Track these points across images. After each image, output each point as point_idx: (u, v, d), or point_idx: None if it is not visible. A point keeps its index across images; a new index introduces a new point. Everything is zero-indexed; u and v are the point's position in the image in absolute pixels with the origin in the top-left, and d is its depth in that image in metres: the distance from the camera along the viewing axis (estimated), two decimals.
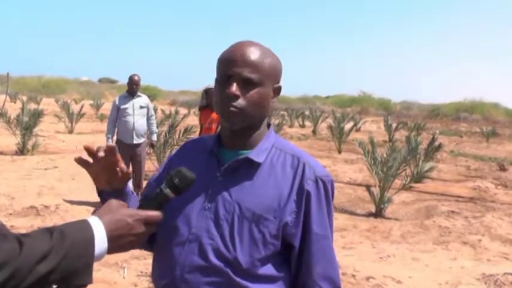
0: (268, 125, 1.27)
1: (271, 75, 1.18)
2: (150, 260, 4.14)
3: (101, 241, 0.92)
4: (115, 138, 6.16)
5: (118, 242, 0.96)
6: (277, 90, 1.22)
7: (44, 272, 0.84)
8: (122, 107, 6.03)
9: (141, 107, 6.10)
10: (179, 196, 1.08)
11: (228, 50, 1.19)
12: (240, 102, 1.15)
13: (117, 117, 6.06)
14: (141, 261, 4.22)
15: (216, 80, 1.20)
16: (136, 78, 6.05)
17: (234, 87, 1.14)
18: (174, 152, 1.39)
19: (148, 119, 6.29)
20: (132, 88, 6.03)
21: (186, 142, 1.39)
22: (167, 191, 1.06)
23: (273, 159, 1.20)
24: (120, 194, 1.23)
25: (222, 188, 1.17)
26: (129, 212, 0.99)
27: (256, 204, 1.14)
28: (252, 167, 1.18)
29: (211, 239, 1.14)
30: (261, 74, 1.16)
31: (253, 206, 1.14)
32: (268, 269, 1.15)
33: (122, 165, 1.18)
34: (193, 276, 1.13)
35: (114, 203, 1.01)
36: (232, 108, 1.15)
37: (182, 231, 1.17)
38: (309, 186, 1.15)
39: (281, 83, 1.24)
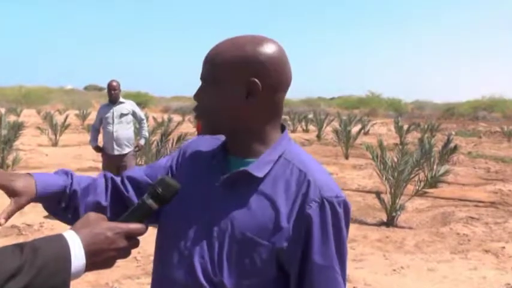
0: (283, 129, 1.20)
1: (233, 69, 1.09)
2: (143, 280, 4.18)
3: (78, 257, 0.91)
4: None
5: (97, 258, 0.96)
6: (251, 87, 1.09)
7: None
8: (104, 116, 6.15)
9: (123, 115, 6.14)
10: (163, 207, 1.07)
11: None
12: (200, 106, 1.15)
13: (101, 126, 6.22)
14: (133, 280, 4.22)
15: None
16: (114, 83, 6.10)
17: (196, 91, 1.15)
18: (189, 141, 1.36)
19: (139, 124, 6.42)
20: (111, 94, 6.10)
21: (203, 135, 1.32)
22: (150, 201, 1.04)
23: (278, 172, 1.11)
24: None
25: (220, 200, 1.13)
26: (108, 225, 0.98)
27: (249, 224, 1.08)
28: (252, 180, 1.10)
29: (201, 258, 1.11)
30: (217, 71, 1.10)
31: (245, 226, 1.08)
32: None
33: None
34: None
35: (92, 215, 1.00)
36: (195, 113, 1.16)
37: (178, 245, 1.16)
38: (311, 209, 1.06)
39: (257, 79, 1.09)
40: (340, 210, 1.08)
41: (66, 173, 1.24)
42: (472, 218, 6.81)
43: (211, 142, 1.26)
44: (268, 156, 1.12)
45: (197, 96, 1.15)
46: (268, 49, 1.11)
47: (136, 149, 6.35)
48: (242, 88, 1.10)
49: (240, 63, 1.09)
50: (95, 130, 6.31)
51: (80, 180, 1.23)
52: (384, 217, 6.71)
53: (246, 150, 1.15)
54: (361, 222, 6.66)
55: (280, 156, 1.13)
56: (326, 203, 1.07)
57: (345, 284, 1.11)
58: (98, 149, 6.28)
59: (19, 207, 1.13)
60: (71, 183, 1.21)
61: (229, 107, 1.11)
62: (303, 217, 1.06)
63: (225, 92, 1.10)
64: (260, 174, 1.10)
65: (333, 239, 1.07)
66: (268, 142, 1.15)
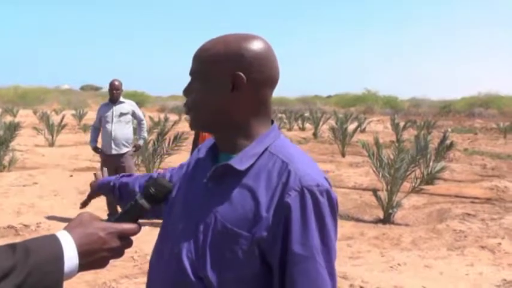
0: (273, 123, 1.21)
1: (218, 64, 1.11)
2: (140, 279, 4.18)
3: (71, 257, 0.92)
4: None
5: (90, 258, 0.96)
6: (235, 80, 1.11)
7: None
8: (103, 115, 6.14)
9: (122, 114, 6.13)
10: (156, 206, 1.09)
11: None
12: (188, 101, 1.18)
13: (100, 125, 6.20)
14: (131, 280, 4.22)
15: None
16: (116, 83, 6.09)
17: (185, 87, 1.18)
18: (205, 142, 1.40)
19: (138, 124, 6.44)
20: (112, 94, 6.09)
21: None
22: (142, 201, 1.05)
23: (262, 165, 1.11)
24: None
25: (207, 196, 1.15)
26: (101, 225, 0.99)
27: (230, 217, 1.08)
28: (236, 174, 1.11)
29: (189, 253, 1.12)
30: (202, 66, 1.14)
31: (226, 219, 1.08)
32: None
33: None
34: None
35: (85, 215, 1.01)
36: (185, 109, 1.19)
37: (169, 242, 1.18)
38: (290, 198, 1.04)
39: (242, 73, 1.10)
40: (323, 200, 1.05)
41: (122, 176, 1.63)
42: (468, 214, 6.83)
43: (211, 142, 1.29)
44: (253, 149, 1.12)
45: (186, 91, 1.18)
46: (254, 45, 1.13)
47: (134, 149, 6.34)
48: (227, 82, 1.11)
49: (225, 58, 1.11)
50: (94, 130, 6.28)
51: (127, 179, 1.60)
52: (380, 214, 6.73)
53: (233, 146, 1.16)
54: (358, 220, 6.68)
55: (265, 150, 1.13)
56: (306, 191, 1.04)
57: (333, 278, 1.07)
58: (96, 149, 6.24)
59: (89, 198, 1.69)
60: (117, 183, 1.60)
61: (215, 101, 1.13)
62: (282, 206, 1.04)
63: (211, 86, 1.12)
64: (242, 168, 1.10)
65: (316, 230, 1.04)
66: (253, 137, 1.15)
